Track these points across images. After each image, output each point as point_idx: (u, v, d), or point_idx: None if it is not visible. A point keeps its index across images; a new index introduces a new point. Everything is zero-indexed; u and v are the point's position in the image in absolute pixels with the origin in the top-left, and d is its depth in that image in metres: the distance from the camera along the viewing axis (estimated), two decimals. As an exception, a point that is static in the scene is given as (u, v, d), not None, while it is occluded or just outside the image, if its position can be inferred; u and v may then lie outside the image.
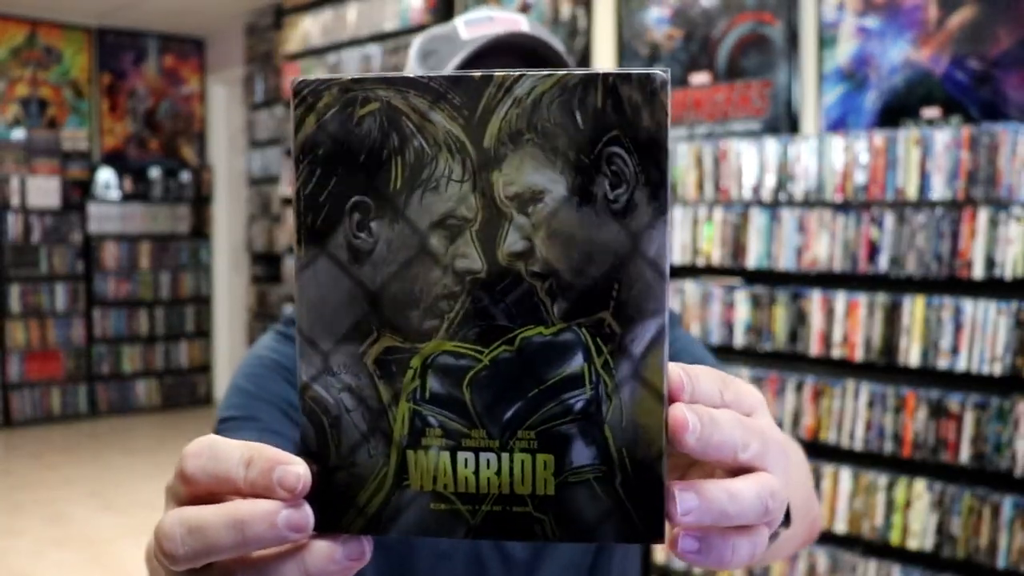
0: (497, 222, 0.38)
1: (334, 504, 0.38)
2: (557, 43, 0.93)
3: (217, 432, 0.80)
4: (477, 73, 0.38)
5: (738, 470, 0.40)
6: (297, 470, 0.37)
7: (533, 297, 0.38)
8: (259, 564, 0.38)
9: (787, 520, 0.57)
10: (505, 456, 0.38)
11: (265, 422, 0.85)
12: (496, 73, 0.37)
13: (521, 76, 0.37)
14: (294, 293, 0.39)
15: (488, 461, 0.38)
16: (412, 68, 0.94)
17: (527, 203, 0.37)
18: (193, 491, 0.39)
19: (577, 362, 0.38)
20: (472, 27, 0.92)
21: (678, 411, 0.38)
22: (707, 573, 3.03)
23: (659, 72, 0.37)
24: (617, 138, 0.37)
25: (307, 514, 0.37)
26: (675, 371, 0.39)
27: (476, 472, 0.38)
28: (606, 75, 0.37)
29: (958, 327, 2.47)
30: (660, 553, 3.12)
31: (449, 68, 0.88)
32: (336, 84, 0.38)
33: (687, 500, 0.38)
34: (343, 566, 0.38)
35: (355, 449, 0.39)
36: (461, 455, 0.38)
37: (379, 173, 0.38)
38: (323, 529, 0.38)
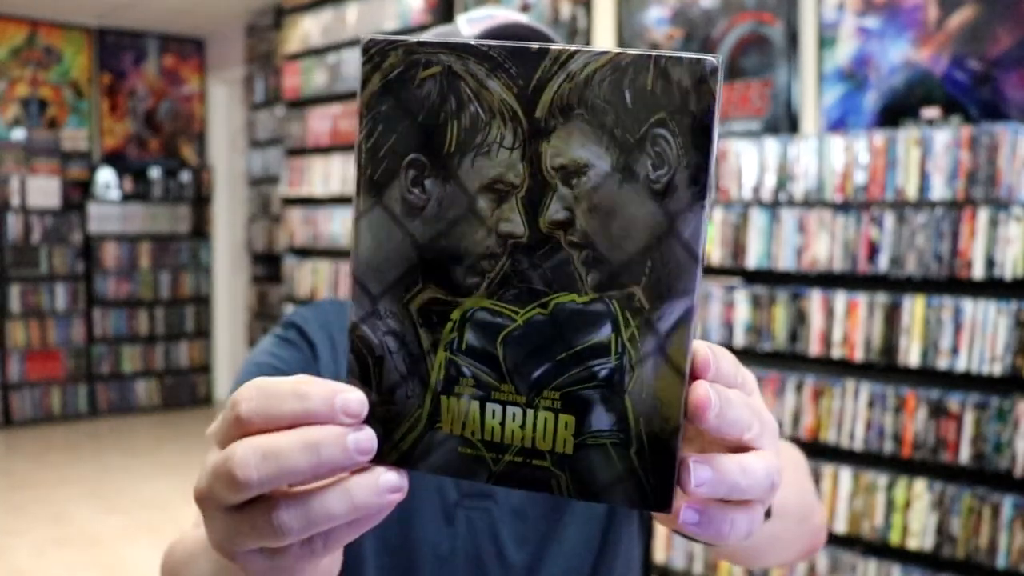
0: (542, 191, 0.39)
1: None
2: (556, 38, 0.94)
3: None
4: (534, 45, 0.39)
5: (738, 449, 0.41)
6: (359, 395, 0.39)
7: (569, 266, 0.39)
8: (305, 498, 0.38)
9: (767, 514, 0.58)
10: (530, 412, 0.40)
11: None
12: (552, 47, 0.38)
13: (576, 51, 0.38)
14: (351, 238, 0.41)
15: (514, 415, 0.40)
16: None
17: (572, 175, 0.39)
18: (246, 433, 0.39)
19: (605, 332, 0.39)
20: (474, 24, 0.94)
21: (703, 389, 0.39)
22: (707, 573, 3.03)
23: (710, 59, 0.37)
24: (663, 120, 0.38)
25: (372, 436, 0.39)
26: (703, 349, 0.40)
27: (502, 423, 0.40)
28: (658, 57, 0.38)
29: (958, 327, 2.48)
30: (660, 553, 3.12)
31: None
32: (402, 46, 0.39)
33: (701, 472, 0.39)
34: (384, 499, 0.39)
35: (394, 389, 0.41)
36: (490, 406, 0.40)
37: (435, 134, 0.39)
38: None
